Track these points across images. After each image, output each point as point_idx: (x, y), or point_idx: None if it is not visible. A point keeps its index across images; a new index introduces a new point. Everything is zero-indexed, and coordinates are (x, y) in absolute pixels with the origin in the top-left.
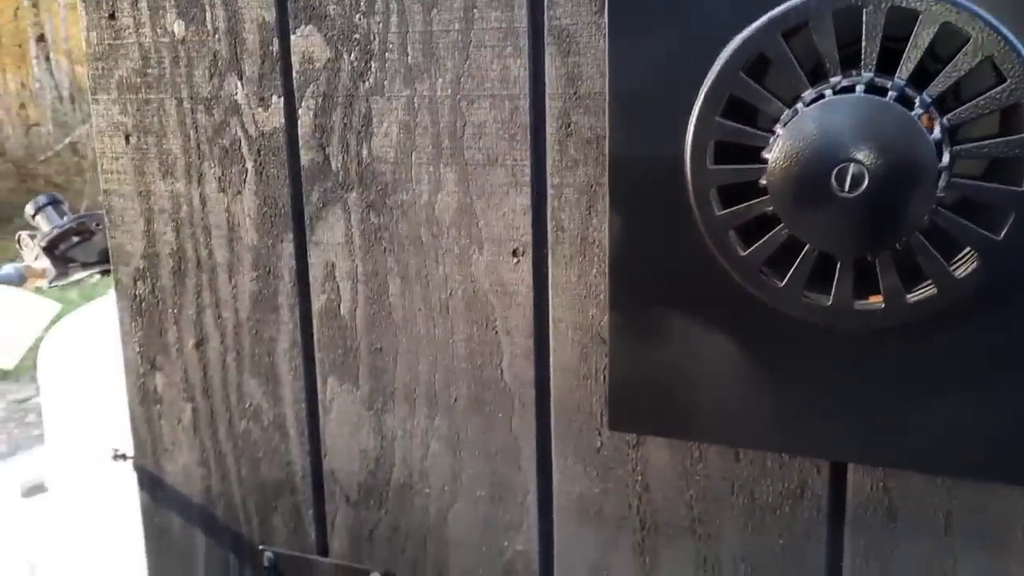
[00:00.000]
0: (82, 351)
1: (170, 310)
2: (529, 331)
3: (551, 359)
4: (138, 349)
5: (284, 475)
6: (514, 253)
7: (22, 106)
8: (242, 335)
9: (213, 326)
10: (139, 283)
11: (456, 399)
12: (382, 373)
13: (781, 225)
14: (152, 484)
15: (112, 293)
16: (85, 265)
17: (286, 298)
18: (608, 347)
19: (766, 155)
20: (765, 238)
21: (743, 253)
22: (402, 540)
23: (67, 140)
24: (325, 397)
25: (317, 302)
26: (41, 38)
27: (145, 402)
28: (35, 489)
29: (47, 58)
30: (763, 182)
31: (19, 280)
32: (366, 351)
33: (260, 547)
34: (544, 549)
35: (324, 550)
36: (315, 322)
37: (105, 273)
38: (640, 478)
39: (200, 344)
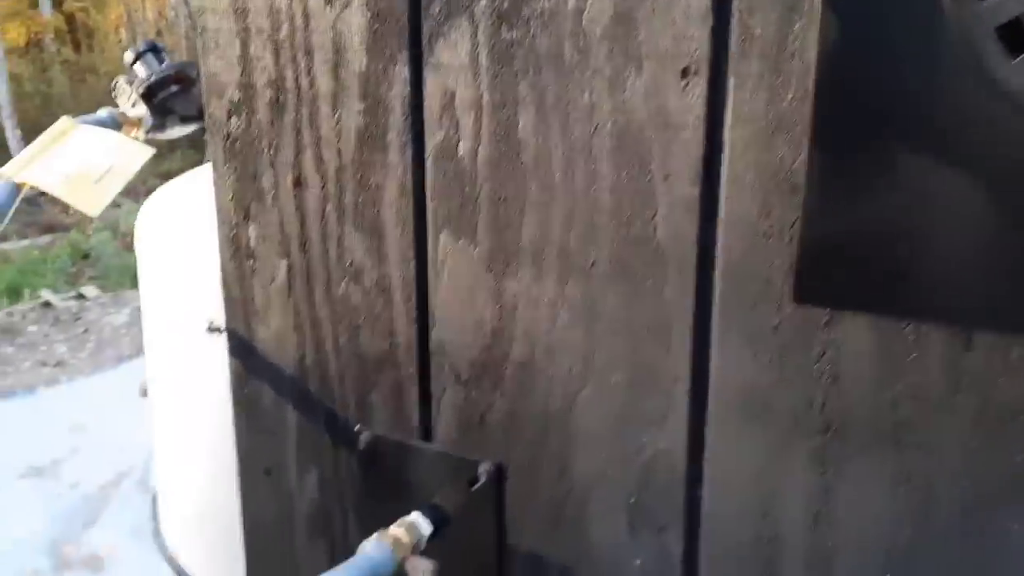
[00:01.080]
0: (181, 219)
1: (266, 150)
2: (695, 176)
3: (721, 212)
4: (231, 196)
5: (386, 346)
6: (683, 73)
7: (159, 33)
8: (345, 180)
9: (313, 169)
10: (233, 118)
11: (594, 262)
12: (505, 228)
13: None
14: (243, 350)
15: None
16: (184, 119)
17: (397, 135)
18: (803, 196)
19: None
20: None
21: (1013, 62)
22: (519, 428)
23: None
24: (436, 256)
25: (432, 140)
26: None
27: (237, 257)
28: None
29: None
30: None
31: (113, 126)
32: (487, 201)
33: (356, 428)
34: (693, 450)
35: (427, 434)
36: (428, 164)
37: (204, 132)
38: (829, 367)
39: (298, 189)
